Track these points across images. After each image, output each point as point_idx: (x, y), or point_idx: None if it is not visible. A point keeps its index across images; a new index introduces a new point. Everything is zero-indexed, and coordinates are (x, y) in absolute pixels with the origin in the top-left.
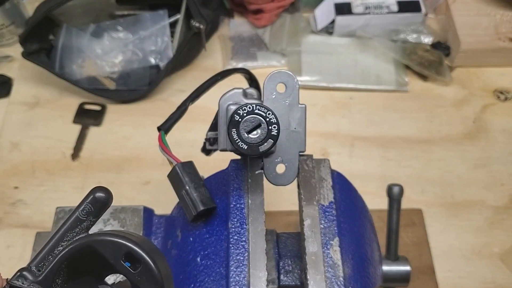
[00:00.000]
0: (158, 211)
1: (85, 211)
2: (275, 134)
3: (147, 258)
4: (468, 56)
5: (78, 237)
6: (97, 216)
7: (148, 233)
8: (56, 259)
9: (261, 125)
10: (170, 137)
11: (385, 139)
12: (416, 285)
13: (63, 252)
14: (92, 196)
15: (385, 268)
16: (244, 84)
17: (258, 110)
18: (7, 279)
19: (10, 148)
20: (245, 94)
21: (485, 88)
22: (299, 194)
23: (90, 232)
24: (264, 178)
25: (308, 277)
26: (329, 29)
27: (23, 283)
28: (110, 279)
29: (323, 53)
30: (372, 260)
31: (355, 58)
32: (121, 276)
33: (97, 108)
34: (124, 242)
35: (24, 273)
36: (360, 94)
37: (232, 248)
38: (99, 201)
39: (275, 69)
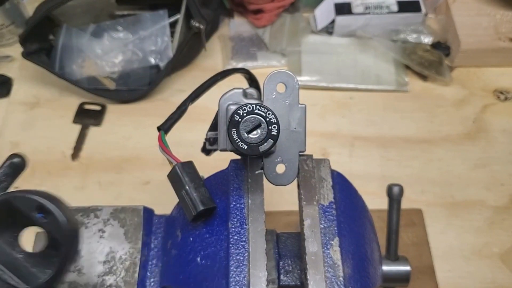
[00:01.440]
0: (158, 211)
1: (4, 173)
2: (275, 134)
3: (55, 208)
4: (468, 56)
5: None
6: (13, 177)
7: (148, 233)
8: None
9: (261, 125)
10: (170, 137)
11: (385, 139)
12: (416, 285)
13: None
14: (9, 161)
15: (385, 268)
16: (244, 84)
17: (258, 110)
18: None
19: (10, 148)
20: (245, 94)
21: (485, 88)
22: (299, 194)
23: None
24: (264, 178)
25: (308, 277)
26: (329, 29)
27: None
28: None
29: (323, 53)
30: (372, 260)
31: (355, 58)
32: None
33: (97, 108)
34: (34, 197)
35: None
36: (360, 94)
37: (232, 248)
38: (15, 165)
39: (275, 69)
